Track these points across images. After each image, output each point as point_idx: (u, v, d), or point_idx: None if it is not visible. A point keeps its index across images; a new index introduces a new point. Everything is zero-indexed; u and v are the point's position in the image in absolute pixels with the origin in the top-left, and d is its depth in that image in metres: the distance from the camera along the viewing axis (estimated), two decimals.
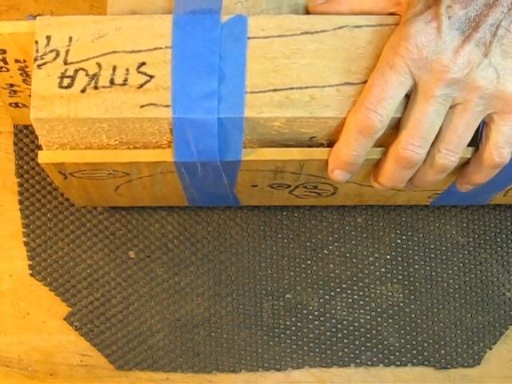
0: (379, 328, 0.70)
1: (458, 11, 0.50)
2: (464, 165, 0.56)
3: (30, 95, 0.53)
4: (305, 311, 0.70)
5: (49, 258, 0.70)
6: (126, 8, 0.57)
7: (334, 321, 0.70)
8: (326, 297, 0.70)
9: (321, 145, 0.56)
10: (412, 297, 0.71)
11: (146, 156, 0.55)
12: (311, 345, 0.70)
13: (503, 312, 0.71)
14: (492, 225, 0.72)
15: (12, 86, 0.61)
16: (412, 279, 0.71)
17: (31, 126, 0.57)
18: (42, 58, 0.52)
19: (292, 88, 0.53)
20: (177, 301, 0.70)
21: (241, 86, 0.52)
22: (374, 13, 0.55)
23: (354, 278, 0.71)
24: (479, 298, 0.71)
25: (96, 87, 0.52)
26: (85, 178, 0.59)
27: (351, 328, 0.70)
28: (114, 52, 0.53)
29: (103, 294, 0.70)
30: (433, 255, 0.71)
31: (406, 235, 0.72)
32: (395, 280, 0.71)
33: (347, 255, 0.71)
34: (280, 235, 0.71)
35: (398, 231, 0.72)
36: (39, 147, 0.56)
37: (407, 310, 0.70)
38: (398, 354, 0.70)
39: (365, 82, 0.53)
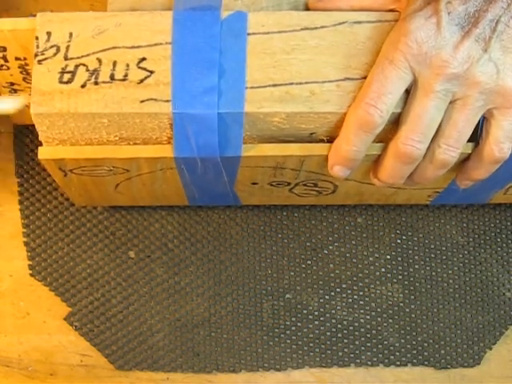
0: (379, 328, 0.70)
1: (457, 7, 0.50)
2: (464, 161, 0.56)
3: (30, 94, 0.53)
4: (305, 311, 0.70)
5: (49, 258, 0.70)
6: (126, 5, 0.57)
7: (334, 321, 0.70)
8: (326, 297, 0.70)
9: (321, 141, 0.56)
10: (412, 297, 0.70)
11: (145, 152, 0.55)
12: (311, 345, 0.70)
13: (503, 312, 0.71)
14: (492, 225, 0.72)
15: (12, 84, 0.61)
16: (412, 279, 0.71)
17: (31, 126, 0.57)
18: (43, 54, 0.53)
19: (292, 83, 0.53)
20: (177, 301, 0.70)
21: (241, 82, 0.52)
22: (373, 9, 0.55)
23: (354, 278, 0.71)
24: (479, 298, 0.71)
25: (96, 82, 0.52)
26: (85, 175, 0.59)
27: (351, 328, 0.70)
28: (115, 47, 0.53)
29: (103, 293, 0.70)
30: (433, 255, 0.71)
31: (406, 235, 0.72)
32: (395, 280, 0.71)
33: (347, 255, 0.71)
34: (280, 235, 0.71)
35: (398, 231, 0.72)
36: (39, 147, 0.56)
37: (407, 310, 0.70)
38: (397, 353, 0.70)
39: (365, 78, 0.53)
